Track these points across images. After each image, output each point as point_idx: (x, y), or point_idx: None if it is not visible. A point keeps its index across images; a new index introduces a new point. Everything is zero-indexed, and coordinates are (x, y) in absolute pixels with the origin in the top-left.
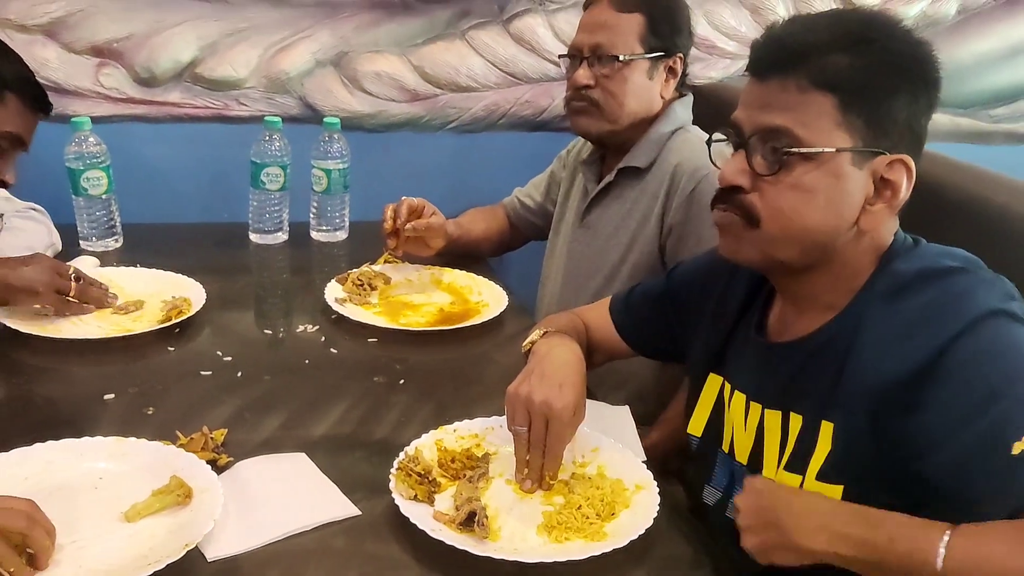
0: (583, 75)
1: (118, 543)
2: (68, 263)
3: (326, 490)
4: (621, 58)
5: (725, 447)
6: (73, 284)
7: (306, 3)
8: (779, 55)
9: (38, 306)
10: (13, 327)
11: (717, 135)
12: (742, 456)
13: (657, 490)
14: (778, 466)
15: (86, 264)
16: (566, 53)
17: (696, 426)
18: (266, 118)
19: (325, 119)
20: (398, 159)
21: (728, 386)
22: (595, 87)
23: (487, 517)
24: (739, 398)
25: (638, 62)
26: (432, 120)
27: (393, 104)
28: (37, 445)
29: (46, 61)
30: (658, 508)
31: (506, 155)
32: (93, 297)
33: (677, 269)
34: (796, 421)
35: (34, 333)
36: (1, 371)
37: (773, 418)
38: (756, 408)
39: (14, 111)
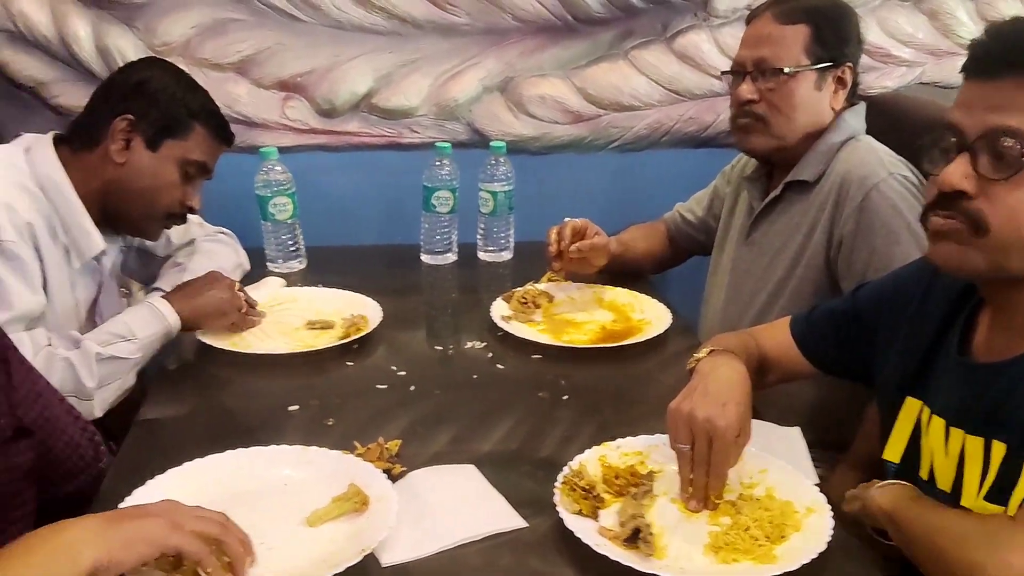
0: (746, 90)
1: (301, 546)
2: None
3: (494, 502)
4: (786, 71)
5: (924, 474)
6: (246, 305)
7: (474, 32)
8: (1014, 54)
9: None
10: (207, 342)
11: (930, 139)
12: (944, 483)
13: (831, 513)
14: (977, 495)
15: (273, 285)
16: (728, 70)
17: (893, 452)
18: (437, 144)
19: (491, 143)
20: (561, 180)
21: (927, 410)
22: (760, 102)
23: (652, 534)
24: (938, 423)
25: (804, 74)
26: (595, 140)
27: (557, 126)
28: (228, 452)
29: (238, 96)
30: (831, 532)
31: (669, 173)
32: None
33: (863, 288)
34: (999, 450)
35: (226, 348)
36: (196, 383)
37: (975, 445)
38: (957, 434)
39: (201, 141)
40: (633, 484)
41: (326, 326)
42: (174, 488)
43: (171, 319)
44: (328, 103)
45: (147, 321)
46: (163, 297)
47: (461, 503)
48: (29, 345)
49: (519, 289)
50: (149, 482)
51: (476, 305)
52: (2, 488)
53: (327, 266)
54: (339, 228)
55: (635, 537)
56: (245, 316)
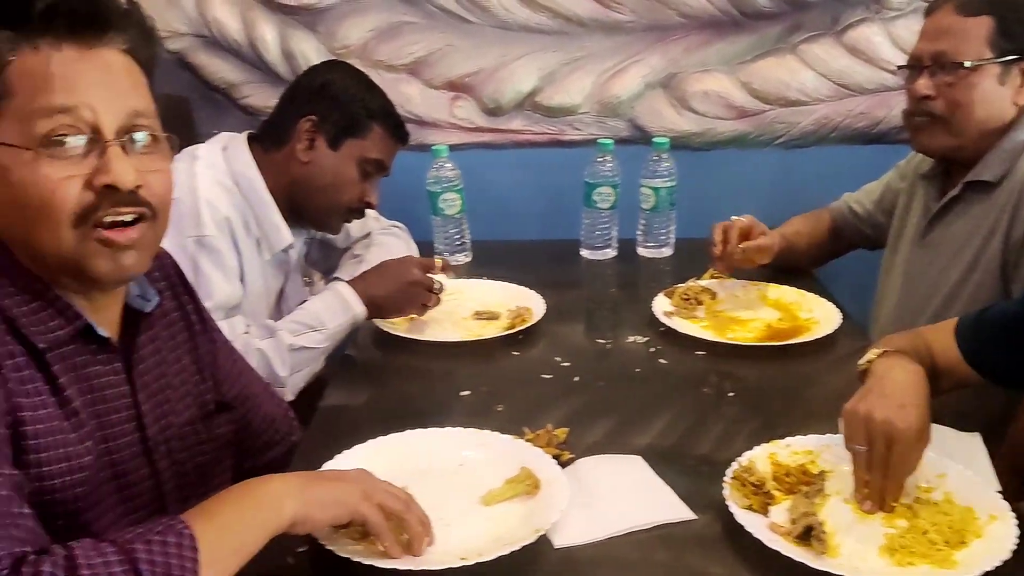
0: (923, 85)
1: (477, 524)
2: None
3: (662, 492)
4: (967, 64)
5: None
6: (435, 296)
7: (638, 29)
8: None
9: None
10: (385, 330)
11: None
12: None
13: (1015, 522)
14: None
15: (441, 276)
16: (905, 64)
17: None
18: (599, 140)
19: (654, 139)
20: (724, 176)
21: None
22: (937, 98)
23: (825, 533)
24: None
25: (987, 68)
26: (759, 136)
27: (720, 122)
28: (408, 431)
29: (410, 96)
30: (1016, 540)
31: (837, 170)
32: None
33: None
34: None
35: (401, 335)
36: (376, 369)
37: None
38: None
39: (378, 140)
40: (804, 482)
41: (492, 317)
42: (359, 463)
43: (358, 309)
44: (494, 102)
45: (335, 312)
46: (350, 285)
47: (630, 492)
48: (229, 332)
49: (681, 285)
50: (337, 456)
51: (636, 300)
52: (206, 456)
53: (491, 259)
54: (502, 223)
55: (808, 535)
56: (424, 306)
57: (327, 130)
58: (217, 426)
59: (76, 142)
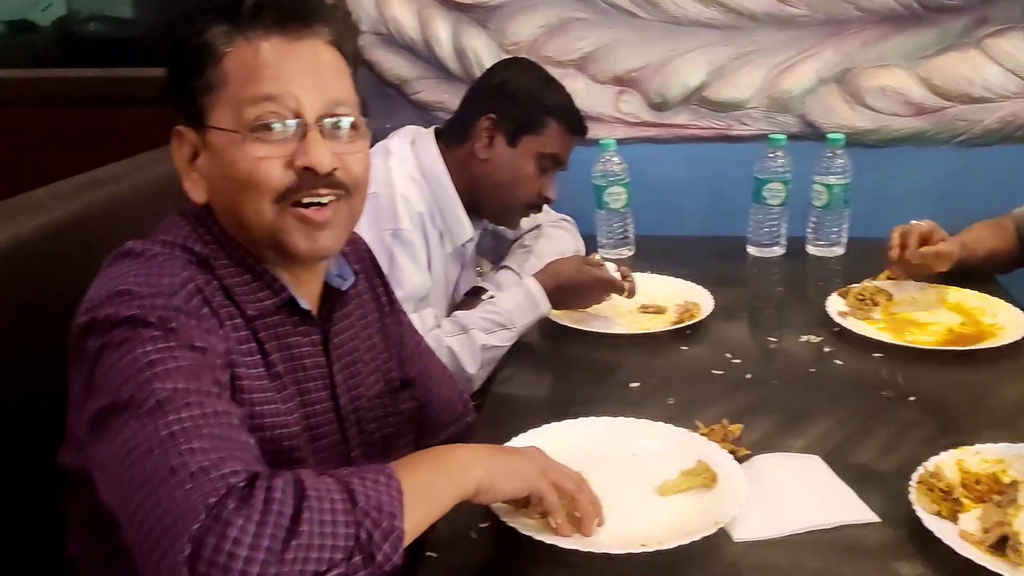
0: None
1: (653, 513)
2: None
3: (843, 493)
4: None
5: None
6: (622, 287)
7: (812, 23)
8: None
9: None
10: (556, 321)
11: None
12: None
13: None
14: None
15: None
16: None
17: None
18: (771, 136)
19: (829, 135)
20: (899, 175)
21: None
22: None
23: (1021, 544)
24: None
25: None
26: (938, 134)
27: (896, 119)
28: (581, 419)
29: (575, 91)
30: None
31: (1022, 172)
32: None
33: None
34: None
35: (571, 326)
36: (546, 358)
37: None
38: None
39: (554, 135)
40: (995, 491)
41: (658, 311)
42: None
43: (544, 307)
44: (660, 96)
45: (525, 310)
46: (536, 279)
47: (810, 491)
48: (420, 324)
49: (856, 285)
50: (512, 439)
51: (805, 299)
52: (391, 428)
53: (654, 254)
54: (665, 218)
55: (1002, 544)
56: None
57: (505, 127)
58: (401, 401)
59: (281, 127)
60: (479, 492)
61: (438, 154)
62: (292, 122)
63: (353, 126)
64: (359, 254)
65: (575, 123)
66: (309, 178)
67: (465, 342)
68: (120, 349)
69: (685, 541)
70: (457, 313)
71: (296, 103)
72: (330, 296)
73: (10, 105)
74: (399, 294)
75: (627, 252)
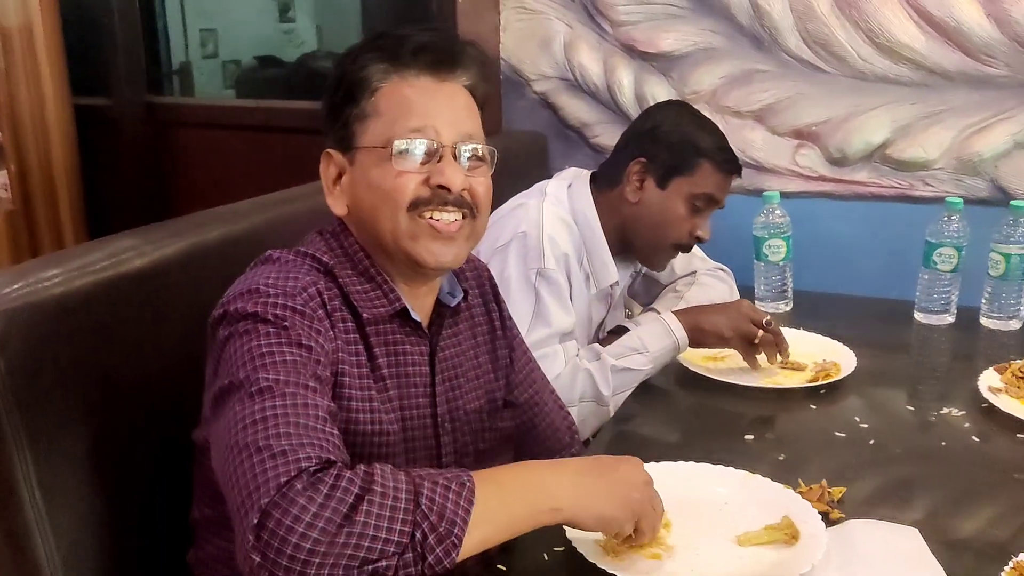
0: None
1: (726, 561)
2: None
3: (931, 572)
4: None
5: None
6: (760, 332)
7: (1011, 84)
8: None
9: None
10: (689, 368)
11: None
12: None
13: None
14: None
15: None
16: None
17: None
18: (948, 199)
19: (1012, 202)
20: None
21: None
22: None
23: None
24: None
25: None
26: None
27: None
28: (681, 462)
29: (752, 142)
30: None
31: None
32: (768, 344)
33: None
34: None
35: (700, 372)
36: (669, 400)
37: None
38: None
39: (707, 175)
40: None
41: (797, 368)
42: None
43: (679, 335)
44: (840, 152)
45: (659, 336)
46: (675, 314)
47: (894, 563)
48: (562, 355)
49: (1018, 361)
50: None
51: (965, 373)
52: (486, 444)
53: (813, 311)
54: (831, 275)
55: None
56: (750, 348)
57: (655, 170)
58: (501, 420)
59: (422, 151)
60: (561, 521)
61: (591, 198)
62: (431, 148)
63: (479, 156)
64: (480, 279)
65: (728, 162)
66: (441, 195)
67: (599, 367)
68: (242, 339)
69: None
70: (594, 344)
71: (435, 133)
72: (441, 312)
73: (235, 129)
74: (546, 331)
75: (784, 306)
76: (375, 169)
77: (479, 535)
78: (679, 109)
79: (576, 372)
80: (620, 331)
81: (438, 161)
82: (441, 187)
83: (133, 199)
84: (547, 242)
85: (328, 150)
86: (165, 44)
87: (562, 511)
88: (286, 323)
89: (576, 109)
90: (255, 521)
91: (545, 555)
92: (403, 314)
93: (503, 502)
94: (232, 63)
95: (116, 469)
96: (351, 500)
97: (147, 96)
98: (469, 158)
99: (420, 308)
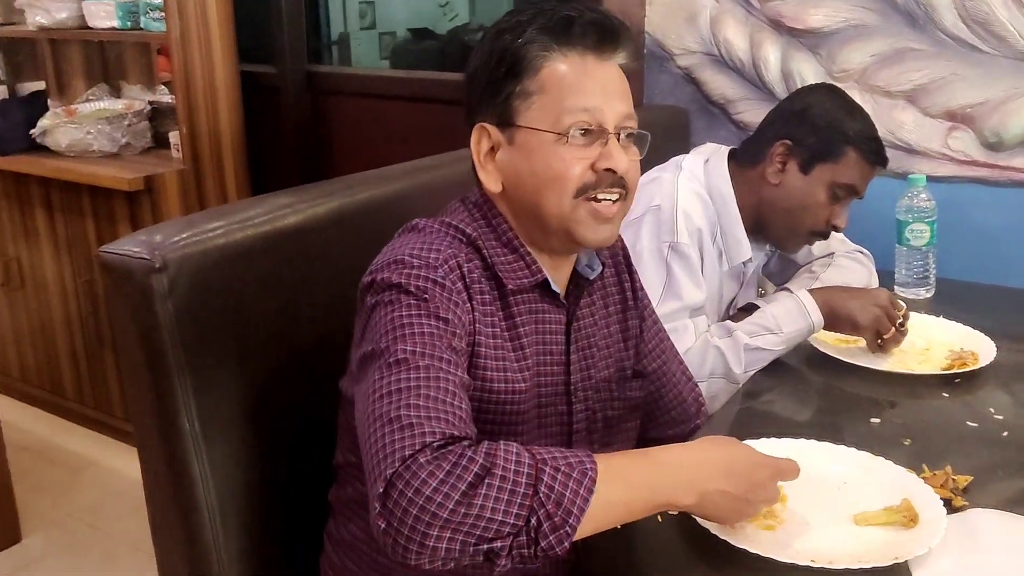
0: None
1: (841, 537)
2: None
3: None
4: None
5: None
6: (892, 328)
7: None
8: None
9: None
10: (820, 349)
11: None
12: None
13: None
14: None
15: None
16: None
17: None
18: None
19: None
20: None
21: None
22: None
23: None
24: None
25: None
26: None
27: None
28: (802, 440)
29: (902, 123)
30: None
31: None
32: (894, 342)
33: None
34: None
35: (834, 356)
36: (799, 380)
37: None
38: None
39: (852, 164)
40: None
41: (922, 355)
42: None
43: (815, 318)
44: (996, 136)
45: (794, 317)
46: (810, 293)
47: (1017, 556)
48: (692, 330)
49: None
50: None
51: None
52: (615, 411)
53: (955, 299)
54: (980, 263)
55: None
56: (877, 340)
57: (800, 154)
58: (630, 389)
59: (591, 134)
60: (682, 508)
61: (727, 173)
62: (599, 130)
63: (635, 137)
64: (613, 249)
65: (876, 153)
66: (607, 178)
67: (731, 344)
68: (386, 308)
69: (854, 566)
70: (726, 321)
71: (602, 115)
72: (579, 283)
73: (389, 99)
74: (676, 305)
75: (925, 293)
76: (543, 150)
77: (593, 525)
78: (831, 93)
79: (707, 348)
80: (750, 308)
81: (604, 144)
82: (607, 170)
83: (292, 161)
84: (681, 216)
85: (483, 124)
86: (326, 16)
87: (686, 509)
88: (426, 295)
89: (720, 85)
90: (381, 490)
91: (659, 516)
92: (544, 285)
93: (622, 499)
94: (388, 35)
95: (266, 408)
96: (470, 479)
97: (307, 65)
98: (628, 138)
99: (559, 280)
